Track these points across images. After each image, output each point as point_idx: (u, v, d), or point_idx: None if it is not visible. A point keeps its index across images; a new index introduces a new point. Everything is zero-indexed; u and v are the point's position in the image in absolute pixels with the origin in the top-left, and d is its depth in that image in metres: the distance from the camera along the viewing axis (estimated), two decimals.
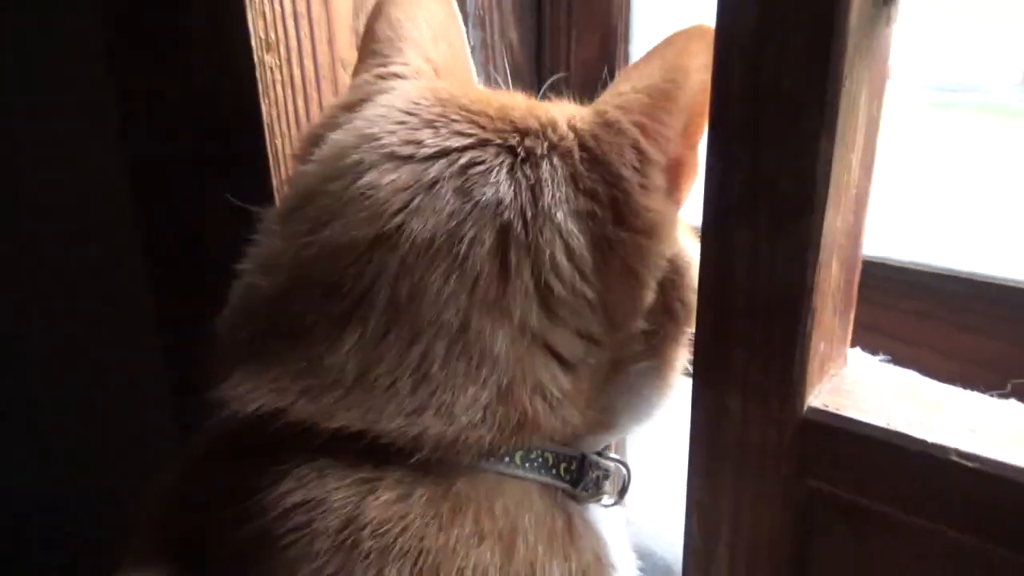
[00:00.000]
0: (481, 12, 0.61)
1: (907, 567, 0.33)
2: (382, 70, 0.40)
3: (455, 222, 0.34)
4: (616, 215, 0.35)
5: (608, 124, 0.36)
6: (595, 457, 0.39)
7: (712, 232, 0.33)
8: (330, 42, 0.49)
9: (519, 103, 0.38)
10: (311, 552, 0.31)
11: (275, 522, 0.32)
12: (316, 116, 0.49)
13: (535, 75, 0.66)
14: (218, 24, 0.45)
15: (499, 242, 0.34)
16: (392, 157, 0.35)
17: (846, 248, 0.33)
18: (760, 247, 0.32)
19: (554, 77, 0.64)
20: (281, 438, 0.33)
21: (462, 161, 0.35)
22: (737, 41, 0.30)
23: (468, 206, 0.34)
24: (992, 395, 0.34)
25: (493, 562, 0.33)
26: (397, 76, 0.40)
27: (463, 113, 0.37)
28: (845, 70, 0.29)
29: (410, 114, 0.37)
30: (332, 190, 0.35)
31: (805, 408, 0.33)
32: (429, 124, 0.36)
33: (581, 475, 0.38)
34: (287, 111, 0.48)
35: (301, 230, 0.35)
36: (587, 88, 0.67)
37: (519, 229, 0.34)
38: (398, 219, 0.34)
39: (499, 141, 0.36)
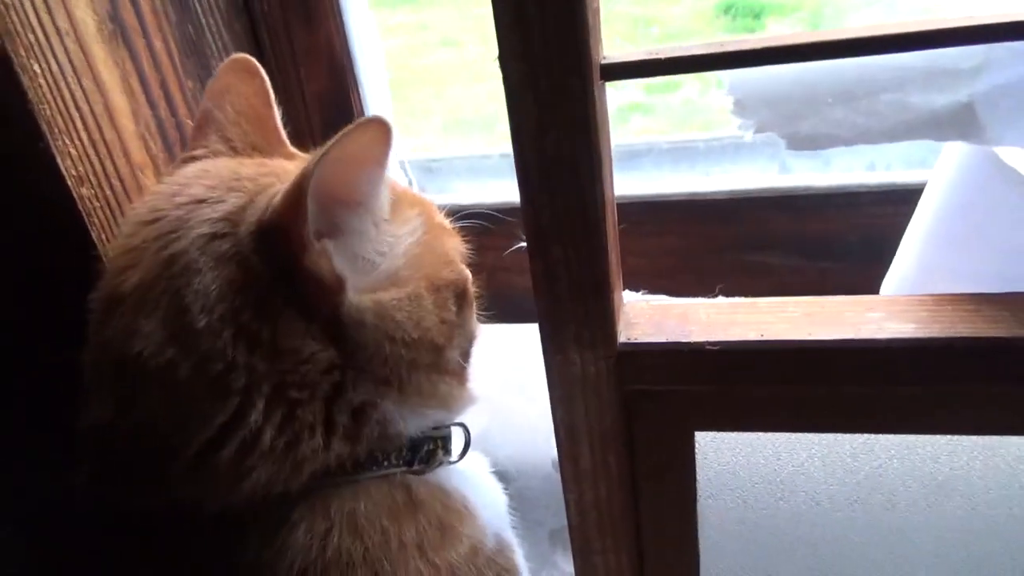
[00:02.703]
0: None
1: (688, 418, 0.53)
2: (185, 155, 0.48)
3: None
4: None
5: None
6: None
7: (535, 250, 0.48)
8: (125, 154, 0.52)
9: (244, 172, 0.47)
10: None
11: None
12: None
13: None
14: (31, 175, 0.47)
15: None
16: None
17: (614, 242, 0.50)
18: (569, 255, 0.47)
19: None
20: None
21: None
22: (525, 129, 0.44)
23: None
24: (715, 295, 0.54)
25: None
26: (192, 159, 0.49)
27: (197, 184, 0.46)
28: (601, 140, 0.44)
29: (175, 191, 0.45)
30: None
31: (618, 345, 0.50)
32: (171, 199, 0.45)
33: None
34: (110, 229, 0.51)
35: None
36: (326, 122, 0.76)
37: None
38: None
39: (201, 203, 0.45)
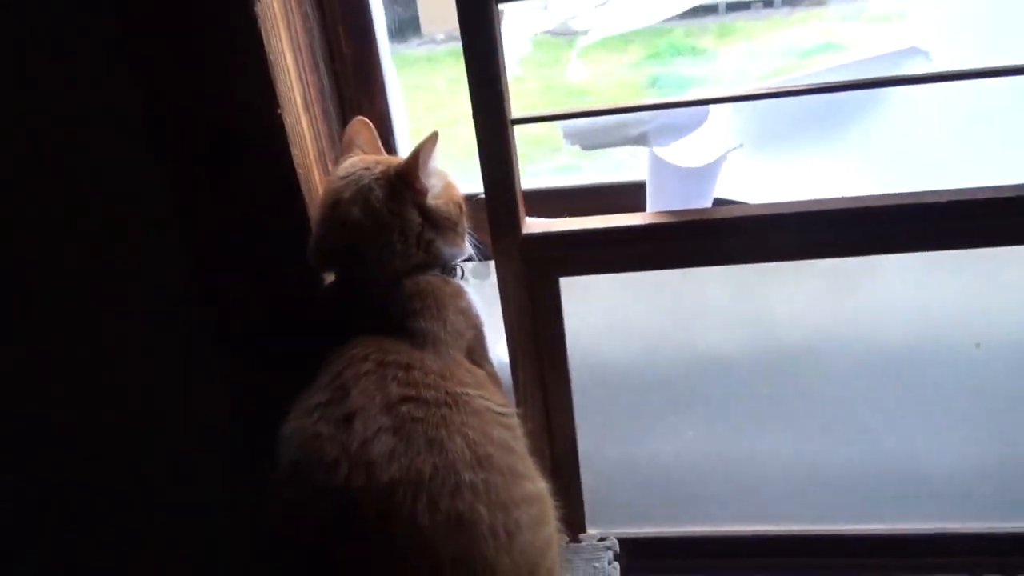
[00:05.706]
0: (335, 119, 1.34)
1: (554, 270, 1.22)
2: (347, 155, 1.17)
3: None
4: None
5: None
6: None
7: (488, 198, 1.17)
8: (309, 156, 1.20)
9: (378, 159, 1.16)
10: None
11: None
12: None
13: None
14: (279, 169, 1.14)
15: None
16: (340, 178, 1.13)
17: (519, 194, 1.19)
18: (499, 199, 1.17)
19: None
20: None
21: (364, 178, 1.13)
22: (484, 146, 1.13)
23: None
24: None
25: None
26: (348, 156, 1.17)
27: (359, 164, 1.14)
28: (512, 152, 1.14)
29: (352, 166, 1.14)
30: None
31: (521, 235, 1.19)
32: (352, 168, 1.13)
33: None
34: (308, 189, 1.18)
35: None
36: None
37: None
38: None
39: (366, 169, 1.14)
